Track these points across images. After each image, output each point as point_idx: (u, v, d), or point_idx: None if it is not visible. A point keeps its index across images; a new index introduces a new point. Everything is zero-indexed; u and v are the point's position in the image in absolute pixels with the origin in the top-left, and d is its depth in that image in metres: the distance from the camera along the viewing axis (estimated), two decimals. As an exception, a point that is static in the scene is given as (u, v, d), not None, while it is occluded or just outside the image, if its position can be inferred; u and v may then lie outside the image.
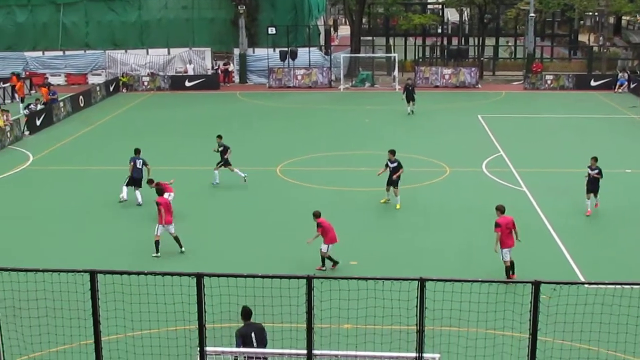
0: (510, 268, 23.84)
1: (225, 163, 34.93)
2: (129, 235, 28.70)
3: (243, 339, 16.27)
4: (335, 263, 25.15)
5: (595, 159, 30.52)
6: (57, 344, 17.01)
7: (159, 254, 26.35)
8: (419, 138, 45.83)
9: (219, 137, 35.44)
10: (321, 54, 71.78)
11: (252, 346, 16.15)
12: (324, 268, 24.84)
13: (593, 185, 30.30)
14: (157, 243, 26.47)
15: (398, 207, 31.50)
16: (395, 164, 31.45)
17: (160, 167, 37.87)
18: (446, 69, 68.74)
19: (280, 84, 68.20)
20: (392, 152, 31.88)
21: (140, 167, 32.58)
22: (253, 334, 16.36)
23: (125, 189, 32.58)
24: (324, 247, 24.85)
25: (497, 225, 23.69)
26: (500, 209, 24.09)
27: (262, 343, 16.39)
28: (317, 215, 25.25)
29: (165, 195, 28.24)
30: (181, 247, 26.80)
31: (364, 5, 77.15)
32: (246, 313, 16.63)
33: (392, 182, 31.56)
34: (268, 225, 29.85)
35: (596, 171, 30.20)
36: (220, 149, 34.96)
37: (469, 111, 54.76)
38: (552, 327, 15.01)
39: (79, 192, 34.52)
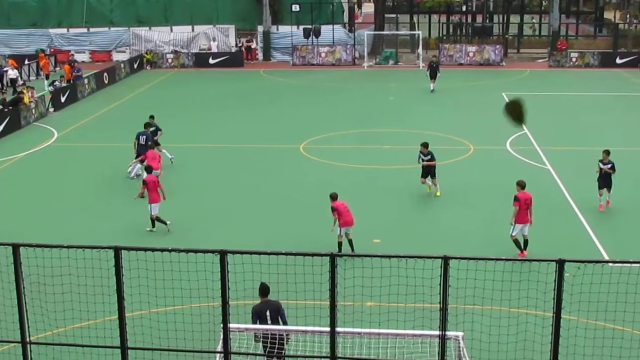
0: (518, 244, 23.95)
1: (155, 143, 34.15)
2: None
3: (258, 316, 16.42)
4: (340, 249, 24.16)
5: (607, 153, 28.48)
6: (81, 320, 17.14)
7: (169, 223, 26.61)
8: (443, 116, 45.67)
9: (152, 117, 35.28)
10: (345, 31, 71.63)
11: (266, 324, 16.28)
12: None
13: (605, 180, 28.46)
14: (158, 219, 26.73)
15: (438, 194, 30.21)
16: (429, 157, 29.85)
17: (184, 145, 38.00)
18: (470, 47, 68.46)
19: (304, 61, 68.12)
20: (425, 145, 30.11)
21: (144, 142, 32.64)
22: (268, 312, 16.46)
23: (137, 165, 32.67)
24: (337, 230, 24.27)
25: (515, 199, 23.85)
26: (521, 184, 24.21)
27: (278, 321, 16.46)
28: (333, 197, 24.50)
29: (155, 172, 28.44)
30: (165, 223, 26.85)
31: (388, -18, 76.87)
32: (263, 290, 16.70)
33: (429, 173, 30.10)
34: (291, 203, 29.84)
35: (609, 165, 28.23)
36: (152, 129, 34.49)
37: (493, 89, 54.53)
38: (577, 305, 14.96)
39: (103, 168, 34.63)
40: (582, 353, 15.49)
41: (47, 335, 17.38)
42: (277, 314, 16.52)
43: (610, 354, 15.24)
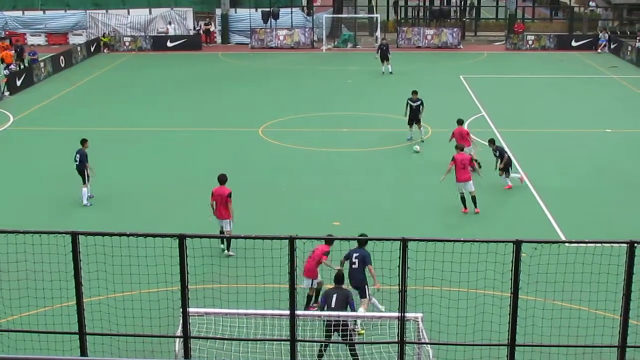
0: (463, 201, 26.42)
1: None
2: (111, 195, 28.60)
3: (325, 298, 16.95)
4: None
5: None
6: (37, 307, 16.96)
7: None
8: (401, 98, 45.57)
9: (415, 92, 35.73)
10: (303, 14, 71.39)
11: (330, 306, 16.63)
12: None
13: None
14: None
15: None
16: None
17: (140, 128, 37.77)
18: (428, 30, 68.52)
19: (263, 44, 67.83)
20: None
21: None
22: (335, 296, 16.79)
23: None
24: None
25: (452, 159, 26.42)
26: (458, 147, 27.09)
27: (344, 308, 16.66)
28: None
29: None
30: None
31: (346, -35, 76.59)
32: (336, 277, 17.20)
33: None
34: (250, 187, 29.72)
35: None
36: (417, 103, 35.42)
37: (451, 71, 54.67)
38: (534, 286, 15.09)
39: (60, 153, 34.24)
40: (539, 333, 15.65)
41: (2, 322, 17.22)
42: (345, 302, 16.77)
43: (568, 333, 15.41)
